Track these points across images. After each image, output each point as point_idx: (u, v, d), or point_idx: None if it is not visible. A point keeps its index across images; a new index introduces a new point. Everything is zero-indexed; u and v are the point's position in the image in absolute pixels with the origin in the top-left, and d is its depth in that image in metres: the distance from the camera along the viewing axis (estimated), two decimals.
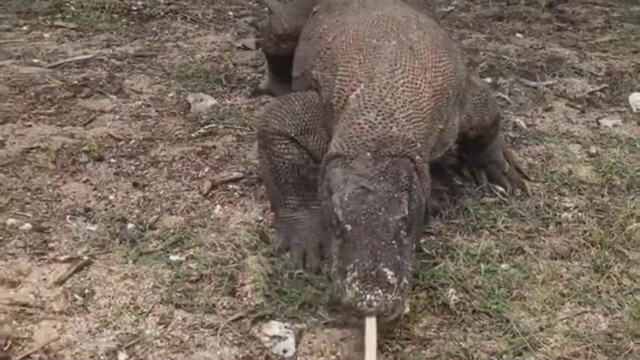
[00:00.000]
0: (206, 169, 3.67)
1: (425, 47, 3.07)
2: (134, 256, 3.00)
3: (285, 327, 2.65)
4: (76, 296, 2.78)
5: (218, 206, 3.37)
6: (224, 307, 2.74)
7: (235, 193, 3.47)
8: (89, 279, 2.88)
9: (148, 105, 4.33)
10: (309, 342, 2.60)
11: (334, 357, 2.54)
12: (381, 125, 2.74)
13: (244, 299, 2.81)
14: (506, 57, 5.19)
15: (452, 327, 2.67)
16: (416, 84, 2.92)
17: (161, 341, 2.59)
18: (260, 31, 4.50)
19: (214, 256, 3.01)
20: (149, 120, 4.15)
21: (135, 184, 3.50)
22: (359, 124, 2.75)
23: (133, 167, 3.66)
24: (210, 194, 3.41)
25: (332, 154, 2.72)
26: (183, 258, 3.01)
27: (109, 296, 2.79)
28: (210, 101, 4.36)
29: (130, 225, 3.19)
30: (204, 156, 3.79)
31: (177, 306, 2.74)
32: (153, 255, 3.00)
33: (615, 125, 4.28)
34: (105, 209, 3.30)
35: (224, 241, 3.11)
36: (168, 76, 4.71)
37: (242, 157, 3.75)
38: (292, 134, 3.04)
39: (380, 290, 2.29)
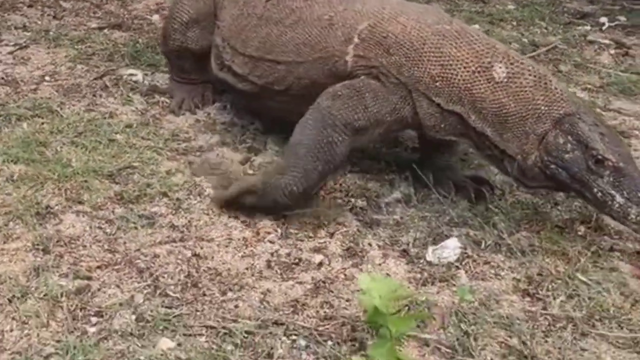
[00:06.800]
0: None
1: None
2: (53, 46, 5.15)
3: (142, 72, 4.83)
4: (21, 59, 4.92)
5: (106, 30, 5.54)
6: (103, 66, 4.90)
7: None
8: (27, 53, 5.01)
9: None
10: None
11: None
12: (561, 87, 3.21)
13: (119, 65, 4.96)
14: None
15: None
16: None
17: (68, 75, 4.75)
18: (163, 31, 4.54)
19: (104, 47, 5.17)
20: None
21: (54, 17, 5.65)
22: (555, 89, 3.17)
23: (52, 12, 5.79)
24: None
25: (563, 114, 3.11)
26: (83, 47, 5.17)
27: (40, 58, 4.94)
28: None
29: (51, 33, 5.33)
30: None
31: (79, 62, 4.91)
32: (65, 45, 5.15)
33: None
34: (34, 26, 5.43)
35: (109, 41, 5.28)
36: None
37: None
38: (360, 126, 3.26)
39: None
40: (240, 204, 3.31)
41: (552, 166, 3.11)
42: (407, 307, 2.80)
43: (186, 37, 4.26)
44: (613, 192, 3.01)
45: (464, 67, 3.24)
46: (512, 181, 3.48)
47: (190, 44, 4.27)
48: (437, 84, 3.27)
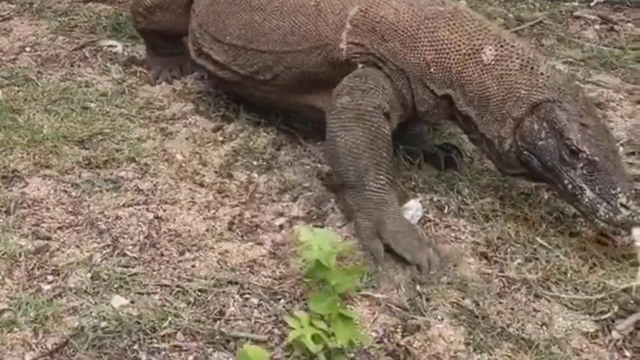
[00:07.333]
0: None
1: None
2: (36, 18, 5.16)
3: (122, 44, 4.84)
4: (3, 30, 4.94)
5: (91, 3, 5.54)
6: (85, 37, 4.91)
7: None
8: (10, 25, 5.03)
9: None
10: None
11: None
12: (550, 73, 3.07)
13: (101, 37, 4.97)
14: None
15: None
16: None
17: (48, 46, 4.75)
18: (130, 10, 4.46)
19: (87, 20, 5.18)
20: None
21: None
22: (541, 74, 3.04)
23: None
24: None
25: (541, 99, 2.99)
26: (65, 19, 5.17)
27: (22, 30, 4.95)
28: None
29: (35, 5, 5.34)
30: None
31: (60, 34, 4.92)
32: (48, 17, 5.16)
33: None
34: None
35: (92, 14, 5.28)
36: None
37: None
38: (387, 109, 3.14)
39: None
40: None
41: (525, 152, 3.03)
42: None
43: (151, 21, 4.22)
44: (584, 185, 2.90)
45: (456, 51, 3.16)
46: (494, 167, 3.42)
47: (156, 27, 4.24)
48: (432, 69, 3.19)
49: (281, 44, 3.46)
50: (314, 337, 2.20)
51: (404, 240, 2.86)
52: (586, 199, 2.90)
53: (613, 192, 2.85)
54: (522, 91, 3.04)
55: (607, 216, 2.86)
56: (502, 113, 3.08)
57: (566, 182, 2.94)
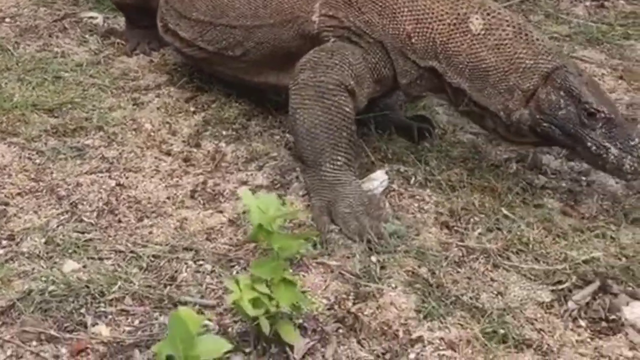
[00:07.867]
0: None
1: None
2: None
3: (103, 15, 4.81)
4: None
5: None
6: (65, 8, 4.88)
7: None
8: None
9: None
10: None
11: None
12: (542, 37, 3.09)
13: (83, 9, 4.95)
14: None
15: None
16: None
17: (28, 17, 4.73)
18: None
19: None
20: None
21: None
22: (537, 39, 3.02)
23: None
24: None
25: (550, 68, 2.97)
26: None
27: (4, 1, 4.92)
28: None
29: None
30: None
31: (42, 5, 4.89)
32: None
33: None
34: None
35: None
36: None
37: None
38: (352, 85, 3.05)
39: None
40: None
41: (545, 124, 2.98)
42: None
43: None
44: (607, 144, 2.91)
45: (440, 21, 3.07)
46: (494, 137, 3.37)
47: (131, 1, 4.24)
48: (413, 40, 3.10)
49: (252, 18, 3.38)
50: (254, 301, 2.16)
51: (353, 222, 2.82)
52: (612, 156, 2.91)
53: (632, 143, 2.91)
54: (527, 61, 2.99)
55: (632, 168, 2.91)
56: (507, 85, 3.01)
57: (589, 144, 2.94)
